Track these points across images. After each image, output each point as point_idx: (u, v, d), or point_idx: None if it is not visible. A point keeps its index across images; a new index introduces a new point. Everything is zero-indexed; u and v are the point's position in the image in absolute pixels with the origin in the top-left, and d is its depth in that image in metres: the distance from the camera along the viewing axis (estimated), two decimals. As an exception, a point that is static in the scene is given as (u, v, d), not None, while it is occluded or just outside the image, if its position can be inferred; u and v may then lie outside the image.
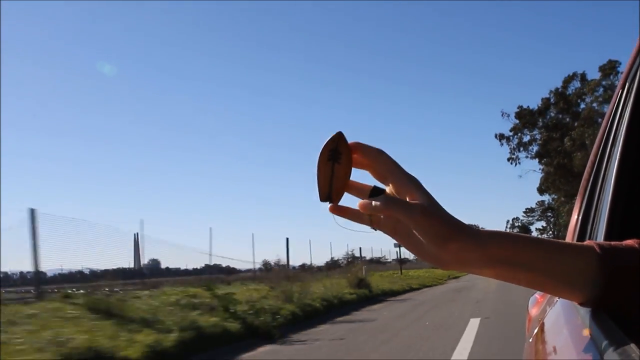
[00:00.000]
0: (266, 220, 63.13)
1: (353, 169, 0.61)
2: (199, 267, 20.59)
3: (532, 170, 37.75)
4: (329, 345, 7.28)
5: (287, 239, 17.33)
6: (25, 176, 54.44)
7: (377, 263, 38.98)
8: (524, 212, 48.30)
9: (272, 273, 14.86)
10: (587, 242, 0.60)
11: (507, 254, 0.57)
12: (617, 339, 0.53)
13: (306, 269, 23.05)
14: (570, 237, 1.20)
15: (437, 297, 15.81)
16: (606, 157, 1.03)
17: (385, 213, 0.58)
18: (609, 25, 52.70)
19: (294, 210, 66.45)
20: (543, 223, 46.23)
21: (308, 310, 10.78)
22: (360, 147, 0.60)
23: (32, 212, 9.03)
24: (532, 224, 47.70)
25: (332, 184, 0.60)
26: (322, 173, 0.60)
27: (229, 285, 13.76)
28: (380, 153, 0.60)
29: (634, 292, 0.56)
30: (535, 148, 36.36)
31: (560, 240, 0.61)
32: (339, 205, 0.62)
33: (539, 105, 35.99)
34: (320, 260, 33.38)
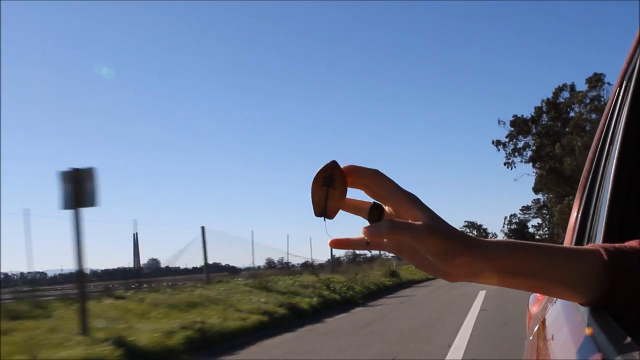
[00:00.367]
0: (266, 220, 64.41)
1: (349, 188, 0.59)
2: (198, 266, 20.80)
3: (526, 174, 39.69)
4: (396, 305, 12.44)
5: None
6: (25, 176, 55.67)
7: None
8: (521, 210, 51.28)
9: (342, 266, 20.43)
10: (592, 246, 0.60)
11: (513, 263, 0.57)
12: (618, 337, 0.53)
13: (307, 267, 24.35)
14: (570, 234, 1.22)
15: (450, 283, 20.89)
16: (604, 155, 1.03)
17: (391, 238, 0.57)
18: (595, 42, 58.01)
19: (294, 210, 66.03)
20: (539, 220, 49.72)
21: (371, 289, 16.39)
22: (354, 170, 0.59)
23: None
24: (528, 220, 51.07)
25: (326, 204, 0.58)
26: (316, 195, 0.58)
27: (301, 276, 18.66)
28: (376, 174, 0.58)
29: (635, 293, 0.56)
30: (529, 153, 38.61)
31: (565, 246, 0.61)
32: (339, 239, 0.61)
33: (532, 114, 38.20)
34: (320, 259, 31.37)
